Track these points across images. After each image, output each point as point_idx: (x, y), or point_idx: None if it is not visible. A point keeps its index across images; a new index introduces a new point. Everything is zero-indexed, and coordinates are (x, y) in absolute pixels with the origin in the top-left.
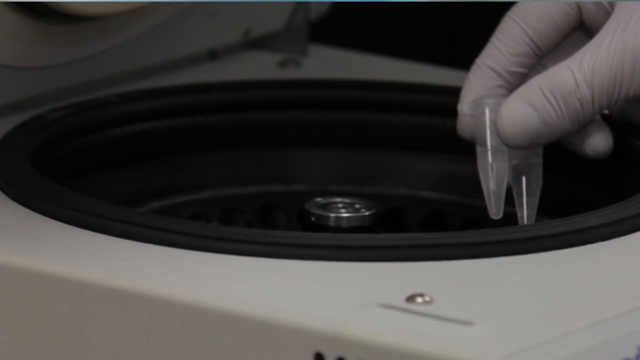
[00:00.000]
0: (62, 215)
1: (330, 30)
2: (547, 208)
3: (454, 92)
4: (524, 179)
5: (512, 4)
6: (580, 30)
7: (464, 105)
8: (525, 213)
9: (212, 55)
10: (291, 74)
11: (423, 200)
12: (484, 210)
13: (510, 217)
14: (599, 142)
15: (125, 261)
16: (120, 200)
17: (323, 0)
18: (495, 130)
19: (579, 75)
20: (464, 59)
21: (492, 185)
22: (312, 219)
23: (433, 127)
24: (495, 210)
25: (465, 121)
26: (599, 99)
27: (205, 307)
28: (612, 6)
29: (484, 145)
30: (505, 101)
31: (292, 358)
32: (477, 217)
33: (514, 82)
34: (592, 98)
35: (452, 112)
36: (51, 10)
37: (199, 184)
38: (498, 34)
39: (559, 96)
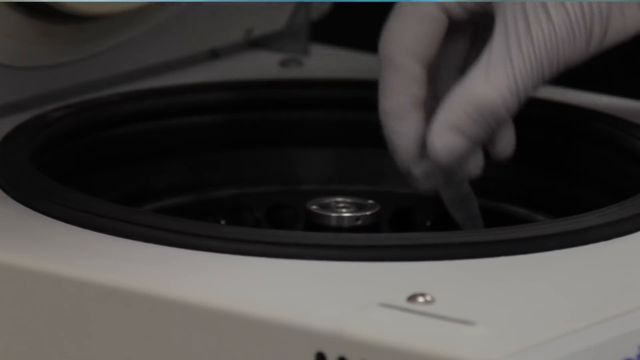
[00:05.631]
0: (63, 214)
1: (332, 29)
2: (548, 207)
3: None
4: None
5: None
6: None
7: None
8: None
9: (214, 54)
10: (292, 73)
11: (432, 200)
12: (490, 210)
13: (510, 217)
14: (507, 146)
15: (126, 260)
16: (122, 200)
17: None
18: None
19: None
20: None
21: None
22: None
23: None
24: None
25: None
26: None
27: (206, 306)
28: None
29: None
30: (434, 129)
31: (294, 358)
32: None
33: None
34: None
35: None
36: (52, 10)
37: (201, 183)
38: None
39: (490, 118)
